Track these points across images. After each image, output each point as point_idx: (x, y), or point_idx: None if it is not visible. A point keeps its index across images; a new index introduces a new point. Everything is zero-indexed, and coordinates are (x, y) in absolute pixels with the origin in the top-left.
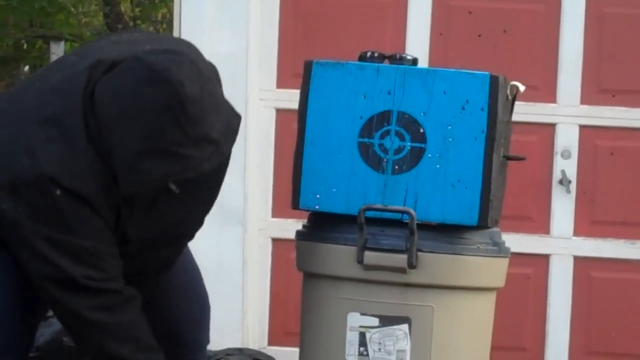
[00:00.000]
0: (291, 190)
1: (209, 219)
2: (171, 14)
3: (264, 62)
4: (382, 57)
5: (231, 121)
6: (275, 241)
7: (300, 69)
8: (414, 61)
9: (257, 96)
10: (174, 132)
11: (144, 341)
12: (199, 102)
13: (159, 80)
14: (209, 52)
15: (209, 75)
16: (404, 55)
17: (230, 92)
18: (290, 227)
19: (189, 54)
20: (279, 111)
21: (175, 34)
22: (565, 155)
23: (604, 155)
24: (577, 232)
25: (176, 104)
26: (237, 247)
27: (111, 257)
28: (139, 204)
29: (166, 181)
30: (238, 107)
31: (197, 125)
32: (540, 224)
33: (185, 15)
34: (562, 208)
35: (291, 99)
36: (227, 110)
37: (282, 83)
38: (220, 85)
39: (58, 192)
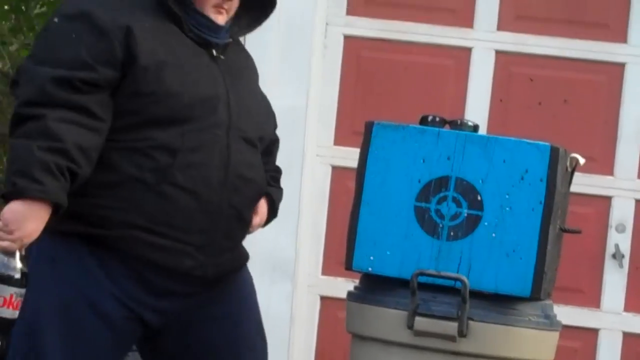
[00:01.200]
0: (345, 250)
1: (259, 276)
2: None
3: (322, 119)
4: (443, 122)
5: None
6: (324, 299)
7: (358, 127)
8: (475, 128)
9: (314, 152)
10: None
11: None
12: None
13: None
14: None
15: None
16: (465, 120)
17: (288, 146)
18: (340, 285)
19: None
20: (335, 168)
21: None
22: (620, 229)
23: None
24: (628, 307)
25: None
26: (285, 302)
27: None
28: None
29: None
30: (295, 162)
31: None
32: (591, 298)
33: None
34: (614, 282)
35: (348, 156)
36: None
37: (339, 140)
38: None
39: None
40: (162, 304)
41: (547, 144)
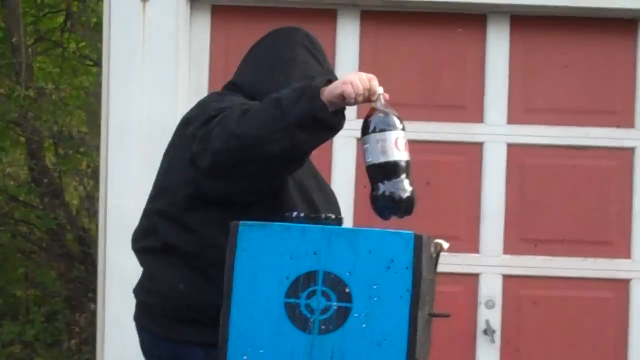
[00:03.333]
0: (219, 352)
1: None
2: (95, 165)
3: None
4: (307, 218)
5: None
6: None
7: None
8: (339, 221)
9: None
10: (314, 65)
11: None
12: (319, 45)
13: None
14: (135, 209)
15: None
16: (329, 215)
17: None
18: None
19: None
20: None
21: (102, 187)
22: (489, 305)
23: (527, 305)
24: None
25: (309, 43)
26: None
27: None
28: None
29: None
30: None
31: (326, 62)
32: None
33: (111, 175)
34: (487, 358)
35: None
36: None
37: None
38: None
39: None
40: None
41: (410, 232)
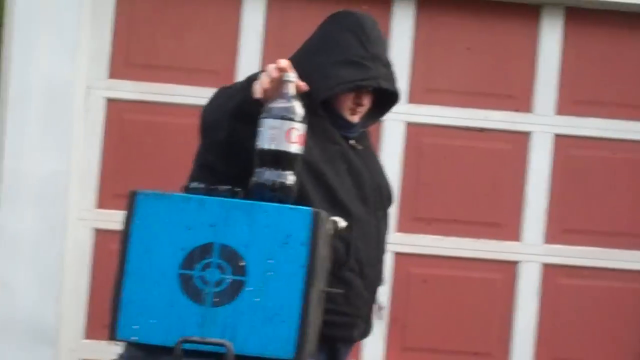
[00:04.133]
0: (109, 320)
1: (21, 341)
2: None
3: (84, 183)
4: (207, 189)
5: (393, 72)
6: None
7: (121, 190)
8: (235, 193)
9: (76, 216)
10: (356, 47)
11: None
12: (372, 28)
13: (345, 14)
14: (31, 172)
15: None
16: (228, 187)
17: (51, 211)
18: (104, 349)
19: None
20: (98, 231)
21: None
22: None
23: (417, 283)
24: (389, 359)
25: (355, 25)
26: None
27: None
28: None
29: (353, 85)
30: (57, 227)
31: (373, 46)
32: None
33: (8, 136)
34: (374, 334)
35: (111, 219)
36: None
37: (102, 204)
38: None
39: None
40: None
41: (308, 208)
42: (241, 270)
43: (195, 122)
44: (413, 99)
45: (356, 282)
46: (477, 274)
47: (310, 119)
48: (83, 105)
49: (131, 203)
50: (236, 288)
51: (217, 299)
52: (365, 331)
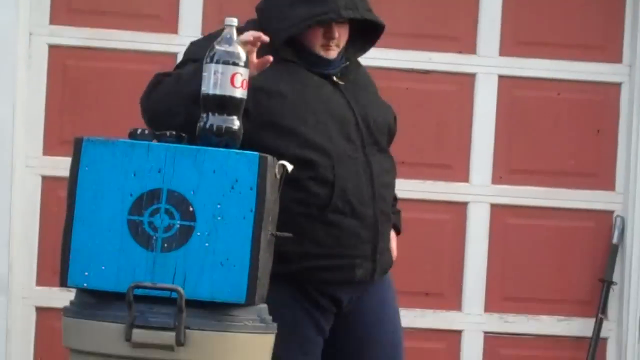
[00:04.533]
0: (59, 267)
1: None
2: None
3: (30, 129)
4: (152, 135)
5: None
6: (40, 310)
7: (67, 136)
8: (182, 138)
9: (23, 163)
10: None
11: None
12: None
13: None
14: None
15: None
16: (174, 132)
17: None
18: (55, 296)
19: None
20: (45, 178)
21: None
22: None
23: None
24: None
25: None
26: (0, 316)
27: None
28: None
29: (312, 22)
30: (4, 174)
31: None
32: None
33: None
34: None
35: (58, 166)
36: None
37: (48, 150)
38: None
39: None
40: (338, 311)
41: (255, 153)
42: (190, 216)
43: (138, 67)
44: None
45: (347, 223)
46: (426, 216)
47: (277, 64)
48: (26, 52)
49: (77, 150)
50: (185, 233)
51: (167, 245)
52: (374, 270)
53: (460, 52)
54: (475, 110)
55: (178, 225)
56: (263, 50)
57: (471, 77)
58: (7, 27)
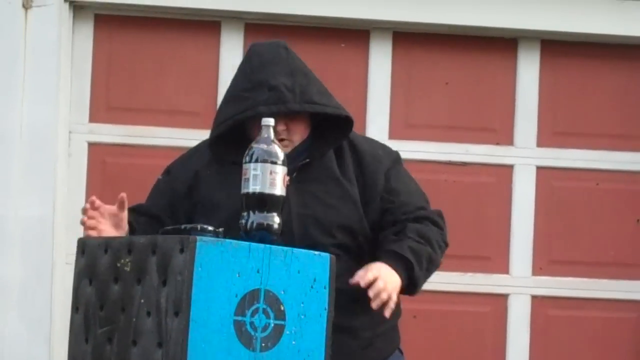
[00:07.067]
0: None
1: None
2: None
3: (70, 226)
4: (185, 230)
5: (319, 89)
6: None
7: None
8: (216, 233)
9: (63, 260)
10: (241, 80)
11: None
12: (261, 56)
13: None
14: (16, 217)
15: (283, 48)
16: (204, 226)
17: (37, 256)
18: None
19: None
20: None
21: None
22: None
23: (407, 319)
24: None
25: (245, 59)
26: None
27: None
28: None
29: (235, 120)
30: (44, 272)
31: (256, 73)
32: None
33: None
34: None
35: None
36: (315, 81)
37: None
38: (297, 58)
39: None
40: None
41: (326, 254)
42: (282, 315)
43: None
44: (393, 135)
45: None
46: (466, 308)
47: (216, 167)
48: (65, 150)
49: (192, 249)
50: (278, 332)
51: (264, 344)
52: None
53: (497, 143)
54: (514, 202)
55: (272, 325)
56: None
57: (509, 168)
58: (48, 125)
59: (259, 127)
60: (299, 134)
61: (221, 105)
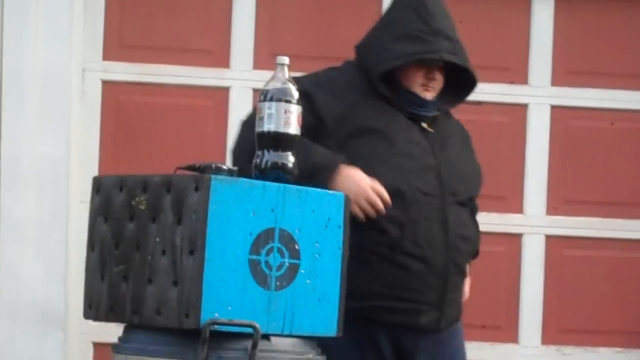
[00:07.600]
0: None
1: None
2: None
3: (84, 165)
4: (202, 168)
5: (462, 48)
6: (97, 345)
7: (121, 170)
8: (231, 172)
9: (78, 199)
10: (415, 21)
11: None
12: (435, 7)
13: None
14: (30, 156)
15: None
16: (219, 165)
17: (51, 195)
18: (112, 331)
19: None
20: None
21: None
22: None
23: None
24: None
25: (419, 3)
26: (57, 350)
27: None
28: None
29: (414, 58)
30: (59, 210)
31: (435, 21)
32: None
33: (6, 122)
34: None
35: None
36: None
37: None
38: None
39: None
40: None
41: (341, 193)
42: (296, 254)
43: (190, 101)
44: None
45: (415, 266)
46: (481, 247)
47: (370, 100)
48: (79, 88)
49: (206, 187)
50: (293, 271)
51: (279, 283)
52: (440, 319)
53: (512, 82)
54: (528, 141)
55: (287, 264)
56: (361, 84)
57: (523, 107)
58: (61, 64)
59: (405, 72)
60: (440, 86)
61: (387, 40)
